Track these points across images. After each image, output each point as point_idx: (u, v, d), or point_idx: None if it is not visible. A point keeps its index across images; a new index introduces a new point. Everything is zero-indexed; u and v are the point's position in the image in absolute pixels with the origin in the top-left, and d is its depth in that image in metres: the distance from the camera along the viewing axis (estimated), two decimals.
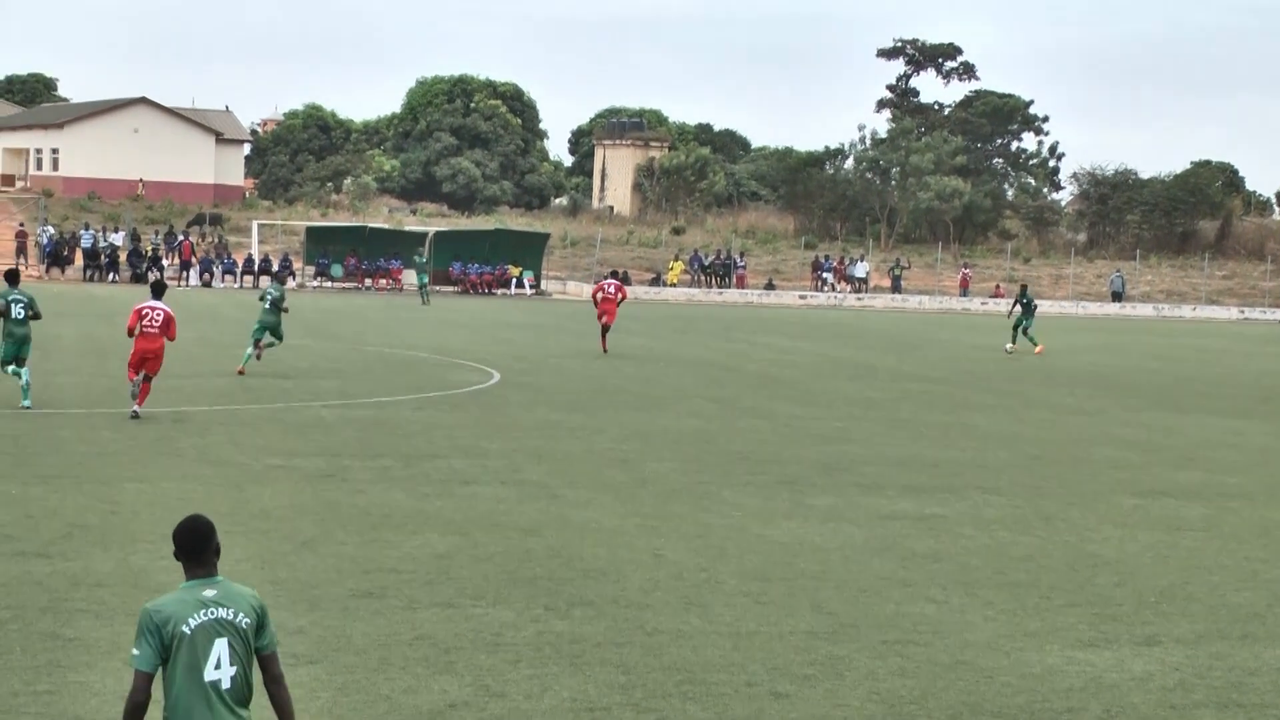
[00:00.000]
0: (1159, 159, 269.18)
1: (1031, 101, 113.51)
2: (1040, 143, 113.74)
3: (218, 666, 6.40)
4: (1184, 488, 20.03)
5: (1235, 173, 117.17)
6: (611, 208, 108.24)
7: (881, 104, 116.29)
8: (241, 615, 6.51)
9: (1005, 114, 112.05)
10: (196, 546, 6.58)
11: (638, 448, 21.93)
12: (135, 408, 22.46)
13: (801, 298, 78.49)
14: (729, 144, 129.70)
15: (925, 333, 54.65)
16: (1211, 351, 50.74)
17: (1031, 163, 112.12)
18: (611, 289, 39.44)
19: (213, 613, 6.45)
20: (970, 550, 15.42)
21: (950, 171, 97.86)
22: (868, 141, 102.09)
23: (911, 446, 23.16)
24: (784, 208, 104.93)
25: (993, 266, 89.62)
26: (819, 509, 17.43)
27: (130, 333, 22.79)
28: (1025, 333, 45.15)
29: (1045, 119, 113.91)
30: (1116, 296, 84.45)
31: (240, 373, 29.00)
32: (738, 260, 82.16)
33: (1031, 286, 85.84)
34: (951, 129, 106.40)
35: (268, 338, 29.81)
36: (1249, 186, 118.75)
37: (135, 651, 6.45)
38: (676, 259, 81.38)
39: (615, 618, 12.28)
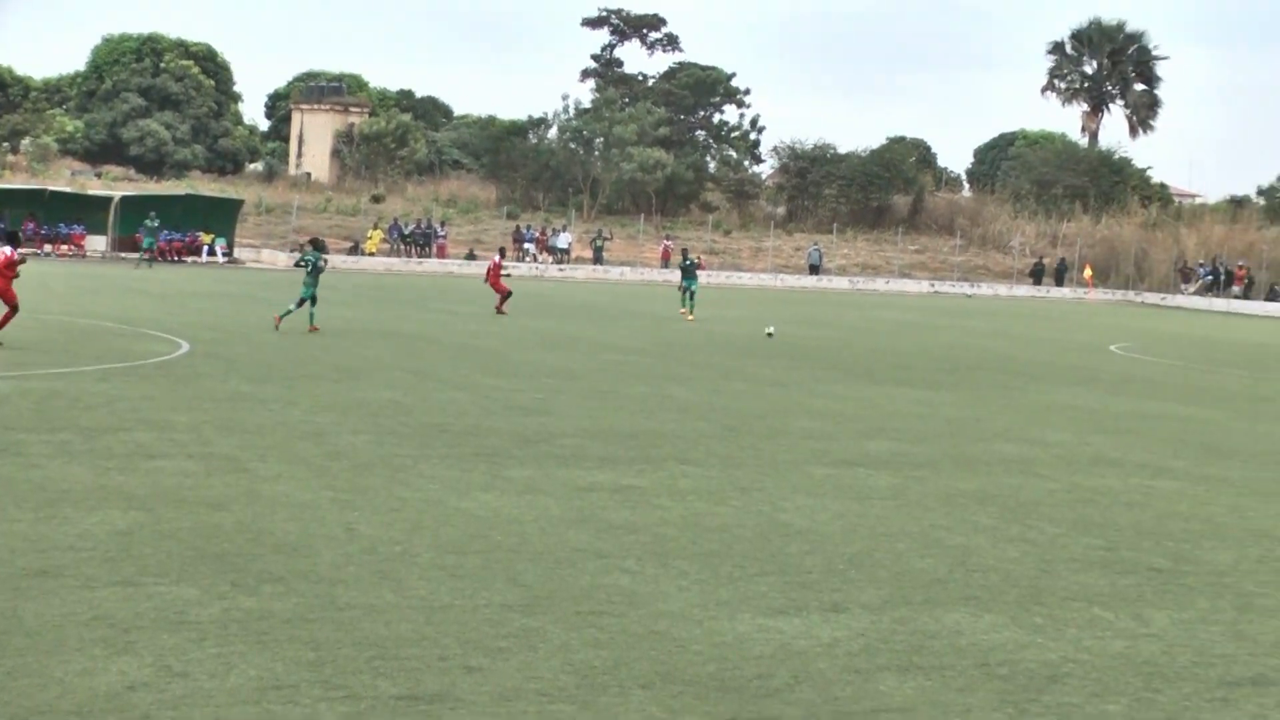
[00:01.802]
0: (857, 134, 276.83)
1: (734, 74, 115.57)
2: (742, 115, 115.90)
3: None
4: (873, 458, 20.56)
5: (928, 149, 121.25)
6: (309, 174, 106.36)
7: (586, 74, 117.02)
8: None
9: (708, 86, 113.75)
10: None
11: (332, 420, 21.52)
12: None
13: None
14: (431, 111, 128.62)
15: (626, 304, 55.12)
16: (903, 324, 52.44)
17: (733, 135, 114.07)
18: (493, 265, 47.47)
19: None
20: (666, 521, 15.52)
21: (653, 143, 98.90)
22: (571, 111, 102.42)
23: (610, 418, 23.27)
24: (486, 177, 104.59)
25: (694, 238, 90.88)
26: (516, 481, 17.35)
27: None
28: (690, 296, 47.30)
29: (747, 92, 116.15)
30: (814, 269, 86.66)
31: None
32: (439, 230, 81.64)
33: (731, 258, 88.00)
34: (655, 100, 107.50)
35: None
36: (941, 163, 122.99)
37: None
38: (375, 227, 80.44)
39: (305, 594, 11.98)
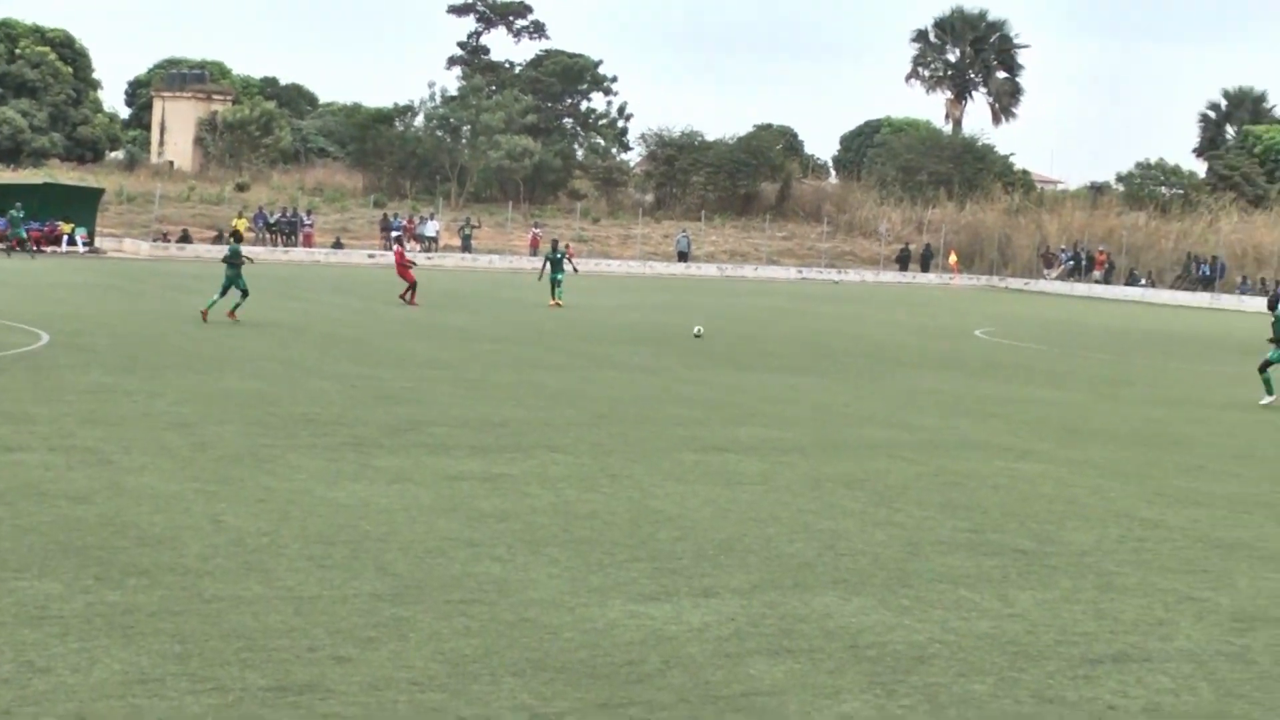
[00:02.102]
0: (724, 122, 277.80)
1: (601, 61, 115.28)
2: (609, 103, 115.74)
3: None
4: (743, 443, 20.68)
5: (795, 136, 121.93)
6: (172, 163, 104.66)
7: (452, 61, 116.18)
8: None
9: (575, 74, 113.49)
10: None
11: (198, 411, 21.22)
12: None
13: (370, 256, 77.77)
14: (295, 99, 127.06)
15: (495, 292, 54.92)
16: (772, 310, 52.79)
17: (601, 123, 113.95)
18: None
19: None
20: (536, 509, 15.50)
21: (521, 130, 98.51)
22: (438, 99, 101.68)
23: (480, 406, 23.18)
24: (353, 165, 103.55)
25: (563, 226, 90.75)
26: (386, 470, 17.23)
27: None
28: (557, 285, 47.35)
29: (614, 79, 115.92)
30: (682, 256, 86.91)
31: None
32: (305, 218, 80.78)
33: (600, 246, 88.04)
34: (522, 88, 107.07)
35: None
36: (808, 151, 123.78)
37: None
38: (240, 216, 79.39)
39: (171, 586, 11.81)
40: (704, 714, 9.50)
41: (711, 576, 12.97)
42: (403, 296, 45.26)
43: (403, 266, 46.16)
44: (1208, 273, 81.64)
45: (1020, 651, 11.18)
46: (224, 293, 36.25)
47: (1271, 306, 26.12)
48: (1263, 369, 27.79)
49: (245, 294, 36.32)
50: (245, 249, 40.23)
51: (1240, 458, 21.71)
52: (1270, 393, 27.85)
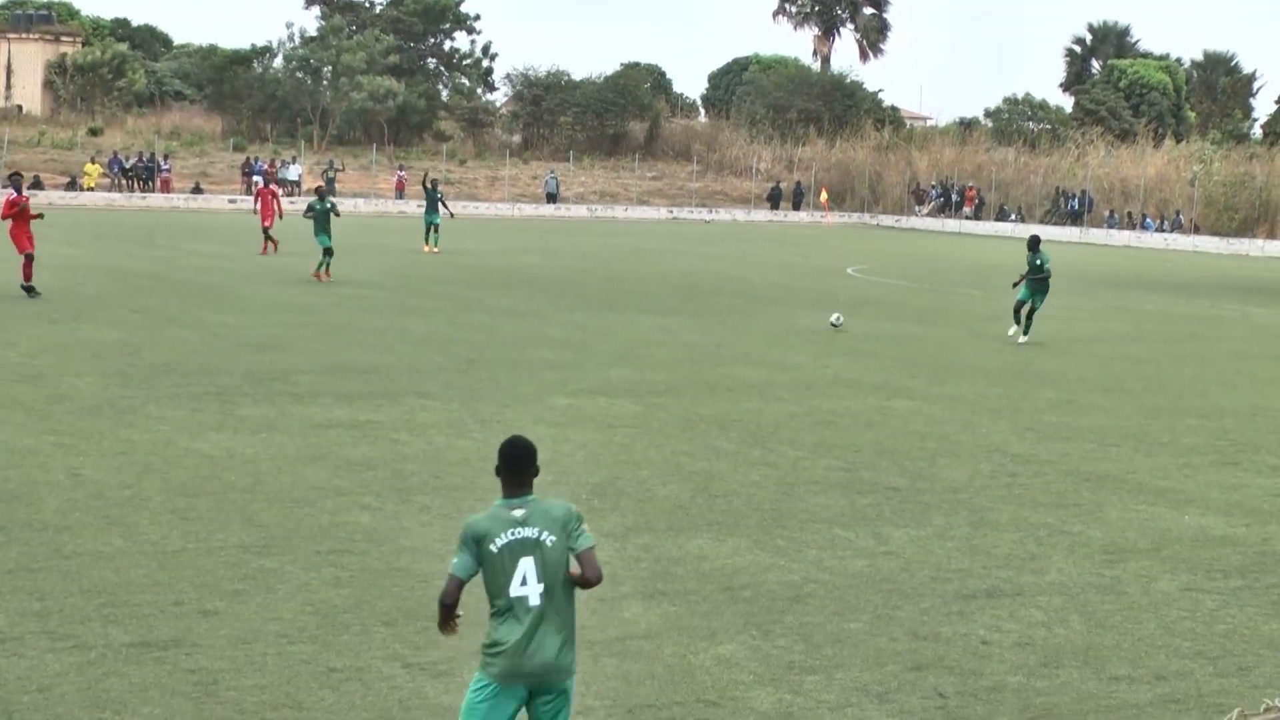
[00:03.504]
0: (590, 60, 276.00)
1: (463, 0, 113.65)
2: (473, 42, 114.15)
3: (524, 583, 6.70)
4: (615, 386, 20.55)
5: (663, 75, 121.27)
6: (20, 107, 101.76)
7: (310, 0, 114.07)
8: (547, 534, 6.76)
9: (437, 13, 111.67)
10: (518, 466, 6.96)
11: (53, 362, 20.65)
12: None
13: (231, 202, 76.34)
14: (149, 40, 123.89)
15: (360, 237, 54.17)
16: (643, 251, 52.67)
17: (465, 63, 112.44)
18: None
19: (518, 533, 6.75)
20: (406, 456, 15.27)
21: (383, 71, 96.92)
22: (297, 39, 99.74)
23: (346, 353, 22.82)
24: (210, 108, 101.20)
25: (429, 169, 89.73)
26: (250, 420, 16.88)
27: None
28: (434, 230, 46.10)
29: (477, 18, 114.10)
30: (551, 198, 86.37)
31: None
32: (162, 163, 79.11)
33: (468, 189, 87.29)
34: (383, 27, 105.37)
35: None
36: (676, 89, 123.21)
37: (454, 559, 6.84)
38: (94, 162, 77.56)
39: (29, 542, 11.47)
40: (580, 659, 9.31)
41: (586, 520, 12.80)
42: (270, 240, 44.03)
43: (268, 209, 44.45)
44: (1076, 207, 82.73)
45: (895, 589, 11.18)
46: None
47: (1031, 247, 25.93)
48: (1018, 309, 27.36)
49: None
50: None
51: (1108, 391, 21.99)
52: (1025, 331, 27.52)
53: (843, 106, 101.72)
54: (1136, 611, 10.88)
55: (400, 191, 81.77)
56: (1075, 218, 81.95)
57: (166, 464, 14.42)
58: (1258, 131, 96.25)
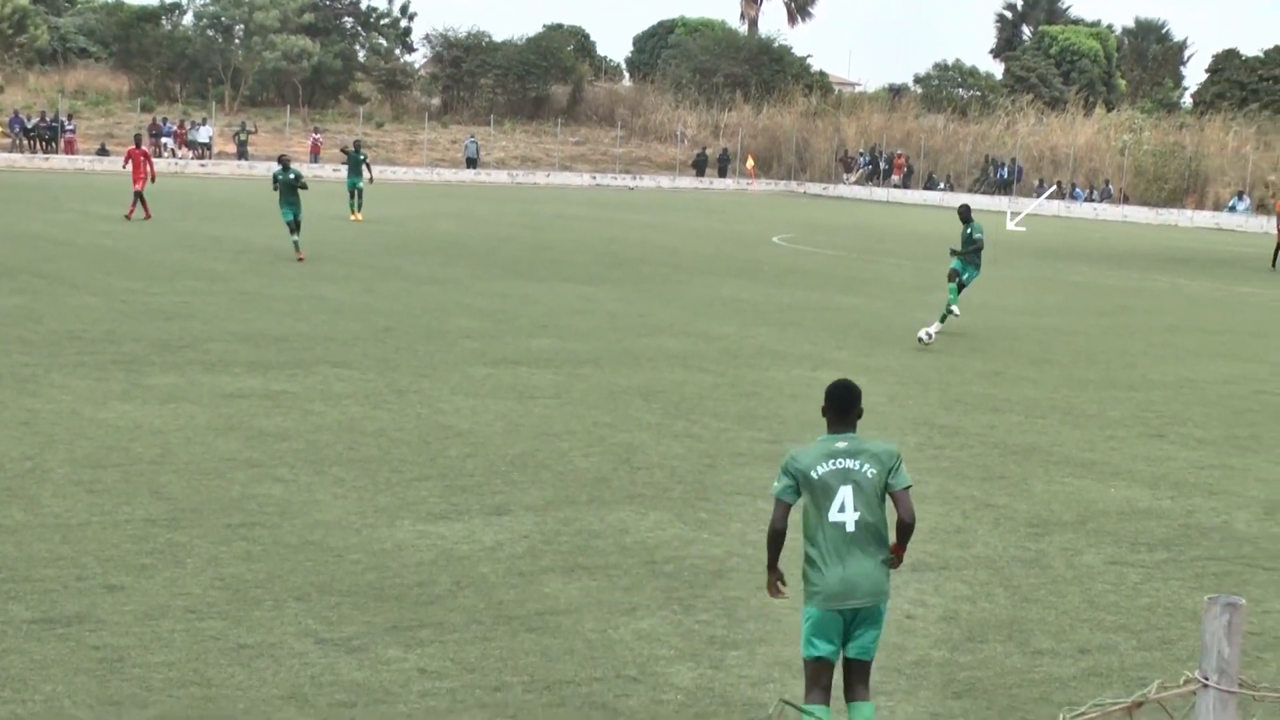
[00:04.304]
0: (512, 22, 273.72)
1: None
2: (391, 2, 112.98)
3: (841, 510, 7.13)
4: (536, 355, 20.27)
5: (586, 37, 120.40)
6: None
7: None
8: (867, 467, 7.19)
9: None
10: (845, 405, 7.40)
11: None
12: None
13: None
14: None
15: (274, 201, 53.54)
16: (565, 218, 52.32)
17: (383, 22, 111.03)
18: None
19: (840, 463, 7.18)
20: (320, 427, 14.94)
21: (297, 30, 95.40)
22: None
23: (259, 321, 22.41)
24: (117, 66, 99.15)
25: (345, 131, 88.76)
26: (158, 389, 16.48)
27: None
28: (357, 195, 44.94)
29: None
30: (471, 163, 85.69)
31: None
32: (66, 123, 77.69)
33: (386, 152, 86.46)
34: None
35: None
36: (600, 52, 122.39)
37: (776, 484, 7.32)
38: None
39: None
40: (497, 635, 9.16)
41: (504, 494, 12.59)
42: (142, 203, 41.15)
43: (139, 171, 41.40)
44: (1005, 175, 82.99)
45: None
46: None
47: (964, 219, 25.26)
48: (952, 277, 26.37)
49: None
50: None
51: (1036, 363, 21.95)
52: (951, 305, 26.43)
53: (770, 71, 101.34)
54: (1061, 585, 10.78)
55: (315, 155, 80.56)
56: (1005, 186, 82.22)
57: (70, 435, 14.03)
58: (1188, 101, 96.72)
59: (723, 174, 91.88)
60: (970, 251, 24.92)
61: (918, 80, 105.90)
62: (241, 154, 79.77)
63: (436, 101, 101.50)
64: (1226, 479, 14.54)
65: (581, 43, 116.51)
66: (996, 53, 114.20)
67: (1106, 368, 21.84)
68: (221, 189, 61.21)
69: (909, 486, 7.29)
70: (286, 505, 11.90)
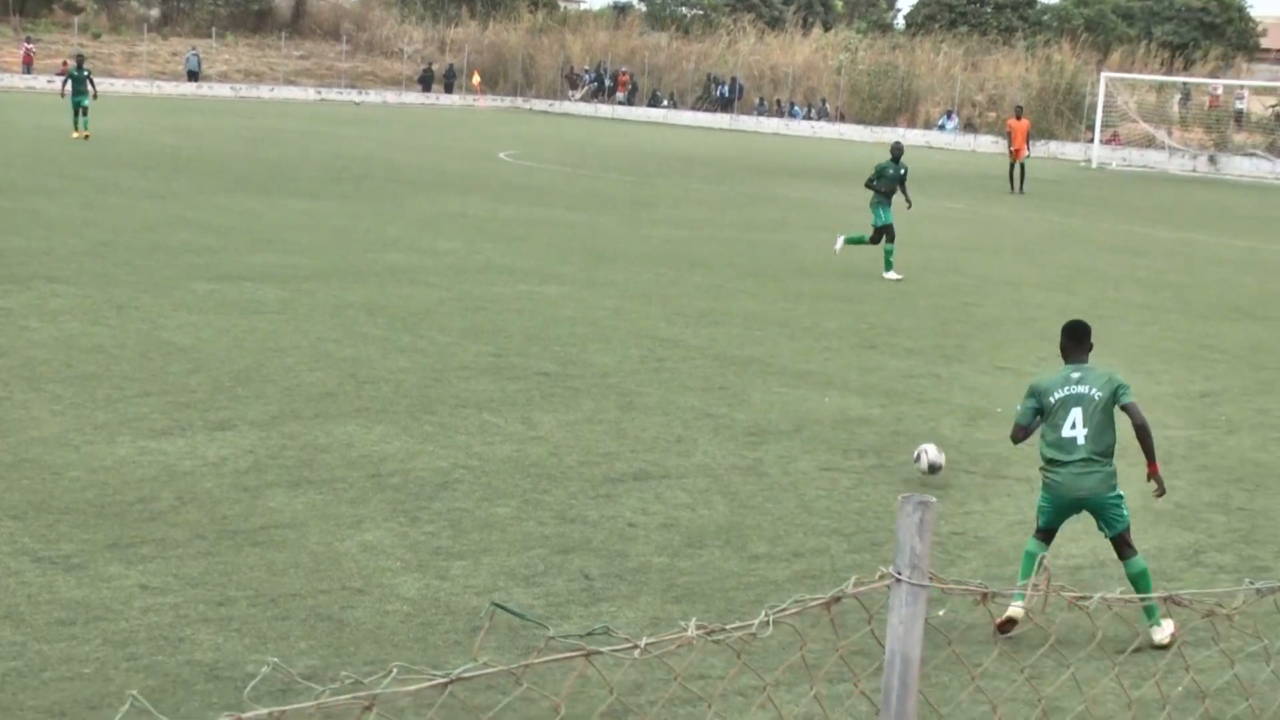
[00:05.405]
0: None
1: None
2: None
3: (1072, 427, 8.63)
4: (260, 271, 19.99)
5: None
6: None
7: None
8: (1096, 390, 8.68)
9: None
10: (1079, 338, 8.98)
11: None
12: None
13: None
14: None
15: None
16: (290, 132, 51.31)
17: None
18: None
19: (1073, 389, 8.70)
20: (36, 343, 14.55)
21: None
22: None
23: None
24: None
25: (59, 42, 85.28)
26: None
27: None
28: (82, 113, 43.03)
29: None
30: (193, 76, 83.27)
31: None
32: None
33: (103, 65, 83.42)
34: None
35: None
36: None
37: (1018, 407, 9.00)
38: None
39: None
40: (221, 549, 9.14)
41: (228, 409, 12.48)
42: None
43: None
44: (726, 94, 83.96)
45: (543, 474, 11.21)
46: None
47: (895, 156, 23.14)
48: (877, 239, 23.56)
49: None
50: None
51: (755, 276, 22.44)
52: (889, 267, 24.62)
53: None
54: (777, 491, 11.16)
55: (28, 66, 77.41)
56: (726, 104, 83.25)
57: None
58: (901, 22, 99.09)
59: (449, 90, 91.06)
60: (889, 192, 23.23)
61: None
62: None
63: (156, 12, 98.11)
64: (934, 388, 15.18)
65: None
66: None
67: (822, 281, 22.44)
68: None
69: (1134, 401, 8.68)
70: (2, 423, 11.61)
